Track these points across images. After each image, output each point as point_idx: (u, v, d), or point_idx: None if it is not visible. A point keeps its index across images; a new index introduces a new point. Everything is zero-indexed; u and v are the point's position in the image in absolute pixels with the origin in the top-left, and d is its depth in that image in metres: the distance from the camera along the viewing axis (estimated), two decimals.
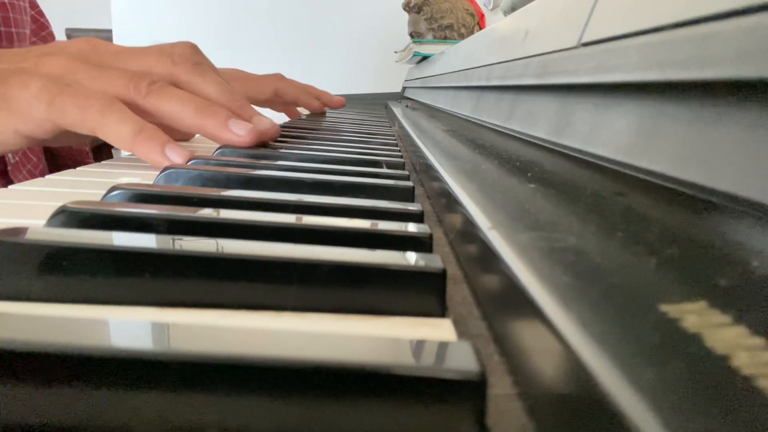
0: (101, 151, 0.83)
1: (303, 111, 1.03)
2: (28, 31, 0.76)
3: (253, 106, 0.51)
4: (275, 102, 0.89)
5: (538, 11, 0.43)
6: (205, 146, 0.58)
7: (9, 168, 0.70)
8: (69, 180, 0.38)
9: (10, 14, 0.71)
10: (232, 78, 0.78)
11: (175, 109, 0.42)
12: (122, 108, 0.39)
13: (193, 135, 0.63)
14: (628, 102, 0.23)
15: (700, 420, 0.08)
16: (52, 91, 0.38)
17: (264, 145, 0.48)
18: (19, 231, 0.18)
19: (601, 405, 0.09)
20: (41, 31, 0.82)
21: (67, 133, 0.41)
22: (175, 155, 0.39)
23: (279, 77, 0.87)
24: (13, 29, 0.72)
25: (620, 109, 0.24)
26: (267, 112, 0.98)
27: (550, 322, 0.11)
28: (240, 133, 0.44)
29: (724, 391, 0.08)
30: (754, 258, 0.13)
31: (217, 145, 0.45)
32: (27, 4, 0.77)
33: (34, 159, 0.73)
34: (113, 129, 0.39)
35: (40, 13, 0.83)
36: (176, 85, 0.45)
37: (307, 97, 0.91)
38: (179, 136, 0.56)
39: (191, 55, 0.47)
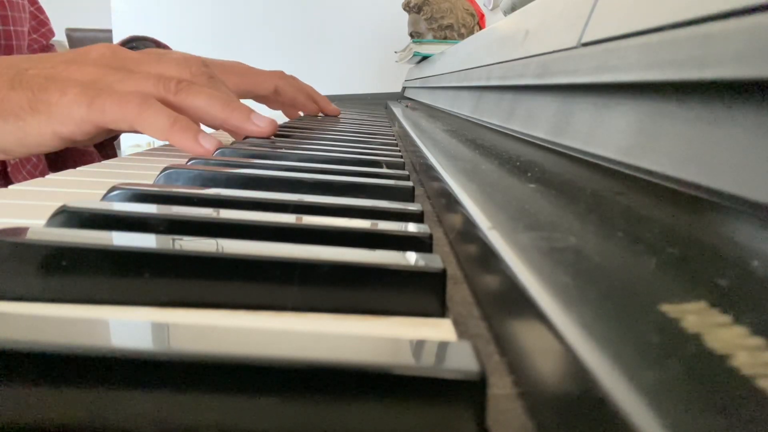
0: (104, 146, 0.83)
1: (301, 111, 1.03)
2: (26, 29, 0.76)
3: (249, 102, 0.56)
4: (274, 100, 0.89)
5: (538, 11, 0.43)
6: None
7: (9, 169, 0.70)
8: (69, 180, 0.38)
9: (9, 12, 0.71)
10: (234, 71, 0.79)
11: (203, 104, 0.48)
12: (157, 103, 0.44)
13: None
14: (628, 102, 0.23)
15: (700, 420, 0.08)
16: (89, 95, 0.43)
17: (264, 145, 0.48)
18: (19, 231, 0.18)
19: (601, 405, 0.09)
20: (41, 27, 0.82)
21: (99, 134, 0.46)
22: (207, 143, 0.44)
23: (281, 74, 0.88)
24: (11, 27, 0.72)
25: (620, 109, 0.24)
26: (264, 111, 0.98)
27: (550, 322, 0.11)
28: (261, 125, 0.52)
29: (724, 392, 0.08)
30: (754, 258, 0.13)
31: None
32: (26, 1, 0.77)
33: (34, 159, 0.73)
34: (151, 122, 0.44)
35: (40, 10, 0.83)
36: None
37: (305, 99, 0.92)
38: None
39: (206, 69, 0.53)
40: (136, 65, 0.49)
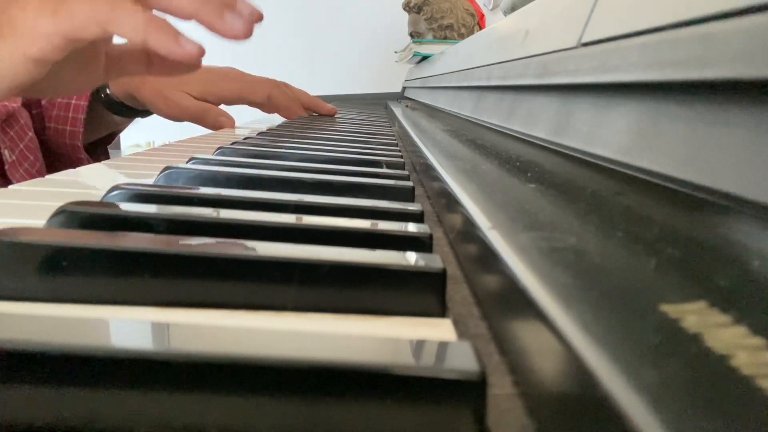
0: (97, 151, 0.83)
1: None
2: None
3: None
4: (269, 105, 0.90)
5: (538, 11, 0.43)
6: (206, 146, 0.58)
7: (6, 167, 0.70)
8: (69, 180, 0.38)
9: None
10: (228, 76, 0.79)
11: None
12: (128, 1, 0.39)
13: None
14: (628, 102, 0.23)
15: (700, 420, 0.08)
16: (52, 3, 0.39)
17: (264, 146, 0.48)
18: (18, 231, 0.18)
19: (601, 405, 0.09)
20: None
21: (74, 53, 0.41)
22: (189, 45, 0.39)
23: (274, 83, 0.89)
24: None
25: (620, 109, 0.24)
26: (261, 115, 0.98)
27: (550, 321, 0.11)
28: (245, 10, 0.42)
29: (724, 391, 0.08)
30: (754, 258, 0.13)
31: (217, 146, 0.45)
32: None
33: (31, 158, 0.73)
34: (126, 21, 0.39)
35: None
36: None
37: (297, 108, 0.93)
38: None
39: None
40: None
